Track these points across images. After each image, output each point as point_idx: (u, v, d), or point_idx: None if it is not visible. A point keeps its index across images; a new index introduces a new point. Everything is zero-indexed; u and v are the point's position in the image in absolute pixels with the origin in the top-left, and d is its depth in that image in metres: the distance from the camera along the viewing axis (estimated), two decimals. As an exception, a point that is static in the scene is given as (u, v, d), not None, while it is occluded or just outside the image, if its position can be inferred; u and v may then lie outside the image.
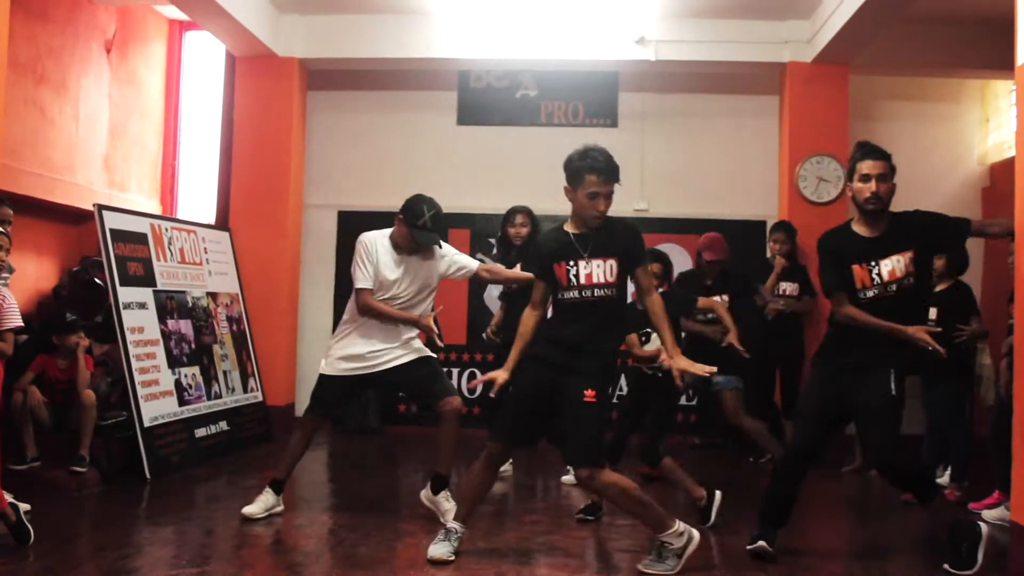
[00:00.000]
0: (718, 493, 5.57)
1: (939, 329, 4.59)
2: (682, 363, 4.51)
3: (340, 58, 9.20)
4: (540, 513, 5.91)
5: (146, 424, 6.70)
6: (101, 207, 7.01)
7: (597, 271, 4.51)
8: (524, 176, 9.24)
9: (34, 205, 7.83)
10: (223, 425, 7.66)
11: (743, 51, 8.85)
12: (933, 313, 6.46)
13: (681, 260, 8.94)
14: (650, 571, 4.51)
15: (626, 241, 4.60)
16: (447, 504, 5.32)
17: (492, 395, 4.87)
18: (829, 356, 4.86)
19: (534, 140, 9.71)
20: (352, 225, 9.65)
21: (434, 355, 5.65)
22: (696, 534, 4.57)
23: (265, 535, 5.17)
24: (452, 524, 4.72)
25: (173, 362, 7.27)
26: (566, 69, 9.49)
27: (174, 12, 9.68)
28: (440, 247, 5.58)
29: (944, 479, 6.70)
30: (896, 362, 4.62)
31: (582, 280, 4.52)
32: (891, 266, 4.63)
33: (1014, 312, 4.86)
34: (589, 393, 4.43)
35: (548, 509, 6.05)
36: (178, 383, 7.26)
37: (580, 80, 9.72)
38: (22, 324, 5.06)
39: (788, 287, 8.05)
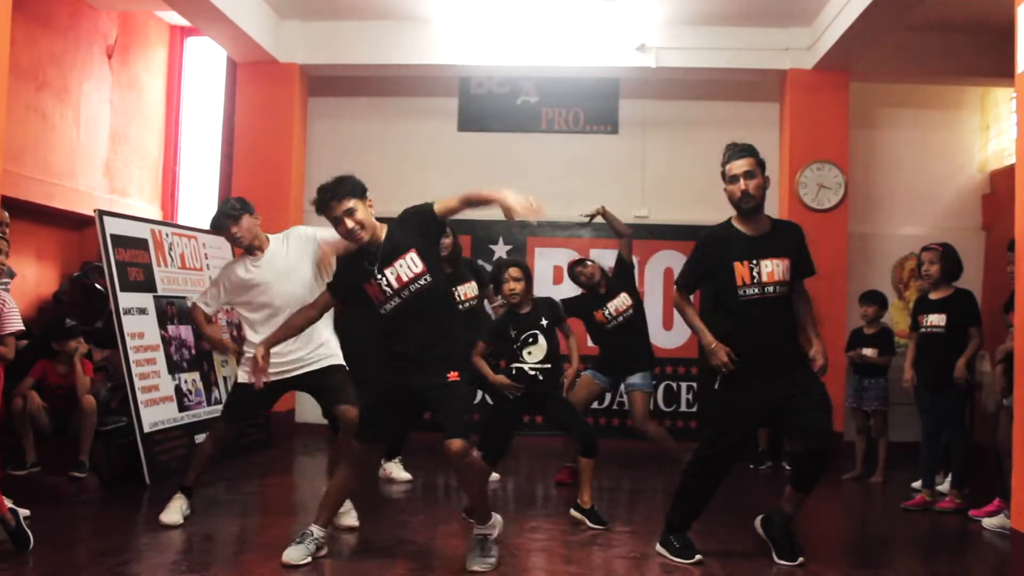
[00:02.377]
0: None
1: (734, 359, 4.73)
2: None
3: (341, 64, 9.21)
4: (541, 519, 5.90)
5: (146, 430, 6.69)
6: (102, 212, 7.01)
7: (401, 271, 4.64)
8: (525, 183, 9.12)
9: (35, 210, 7.84)
10: (223, 431, 7.64)
11: (744, 58, 8.87)
12: (941, 320, 6.46)
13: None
14: (479, 568, 4.55)
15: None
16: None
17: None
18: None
19: (535, 147, 9.73)
20: (353, 231, 9.67)
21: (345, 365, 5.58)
22: (499, 517, 4.83)
23: (265, 541, 5.17)
24: (312, 528, 4.77)
25: (173, 368, 7.27)
26: (567, 76, 9.49)
27: (175, 18, 9.70)
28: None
29: (944, 486, 6.70)
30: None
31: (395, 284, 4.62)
32: (771, 268, 4.75)
33: (1012, 320, 4.85)
34: (452, 375, 4.56)
35: (547, 516, 6.04)
36: (178, 389, 7.25)
37: (581, 87, 9.73)
38: (23, 328, 5.06)
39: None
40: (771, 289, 4.74)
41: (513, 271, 5.84)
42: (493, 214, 4.97)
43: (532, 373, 5.75)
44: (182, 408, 7.24)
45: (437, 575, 4.59)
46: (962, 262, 6.66)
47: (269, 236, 5.59)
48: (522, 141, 9.77)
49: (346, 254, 4.88)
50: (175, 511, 5.45)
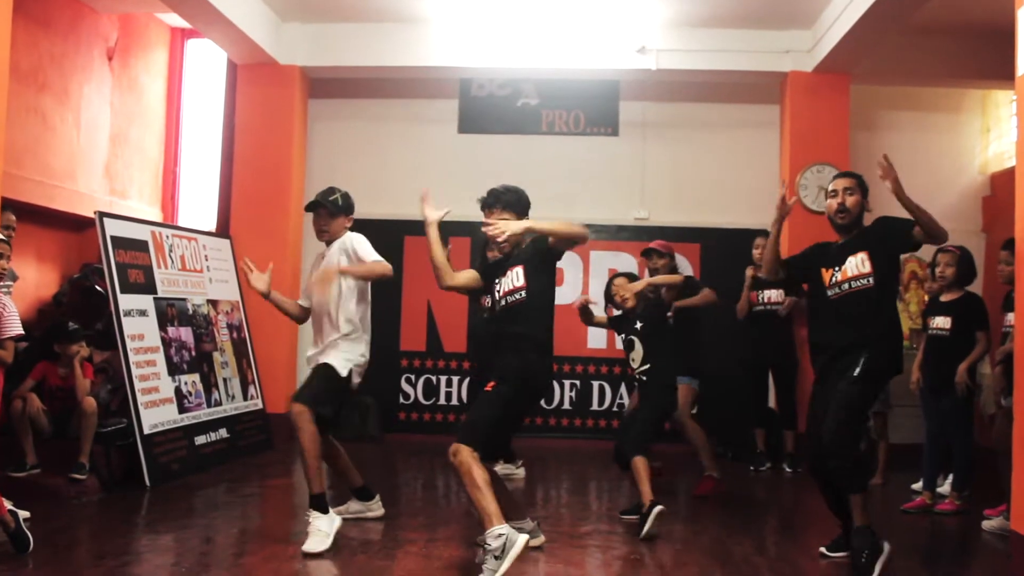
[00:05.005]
0: (657, 508, 5.49)
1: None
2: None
3: (342, 66, 9.22)
4: (540, 521, 5.90)
5: (146, 431, 6.69)
6: (102, 214, 7.01)
7: (506, 282, 4.90)
8: (525, 185, 9.01)
9: (35, 212, 7.85)
10: (223, 432, 7.65)
11: (744, 60, 8.86)
12: (947, 323, 6.46)
13: (683, 269, 8.95)
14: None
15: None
16: (312, 524, 5.06)
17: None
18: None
19: (535, 149, 9.73)
20: (354, 233, 9.67)
21: (335, 365, 5.37)
22: (518, 538, 4.34)
23: (264, 543, 5.16)
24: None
25: (173, 369, 7.27)
26: (567, 78, 9.50)
27: (176, 20, 9.71)
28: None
29: (945, 488, 6.70)
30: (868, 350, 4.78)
31: (500, 292, 4.92)
32: (846, 267, 4.89)
33: (1012, 321, 4.85)
34: (489, 385, 4.78)
35: (548, 518, 6.04)
36: (178, 390, 7.25)
37: (581, 89, 9.74)
38: (22, 332, 5.07)
39: (772, 294, 8.04)
40: (846, 286, 4.88)
41: (619, 280, 6.33)
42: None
43: (639, 376, 6.20)
44: (182, 410, 7.23)
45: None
46: (976, 267, 6.67)
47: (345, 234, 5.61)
48: (522, 143, 9.78)
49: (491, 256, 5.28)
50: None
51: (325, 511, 5.11)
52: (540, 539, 5.18)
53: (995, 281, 7.63)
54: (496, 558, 4.31)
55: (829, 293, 4.93)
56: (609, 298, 6.35)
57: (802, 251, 5.30)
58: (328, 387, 5.31)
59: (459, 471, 4.54)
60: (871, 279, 4.81)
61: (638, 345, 6.13)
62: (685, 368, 6.77)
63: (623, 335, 6.29)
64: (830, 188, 5.07)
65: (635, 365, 6.16)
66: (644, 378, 6.12)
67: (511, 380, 4.74)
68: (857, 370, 4.70)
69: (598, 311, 6.91)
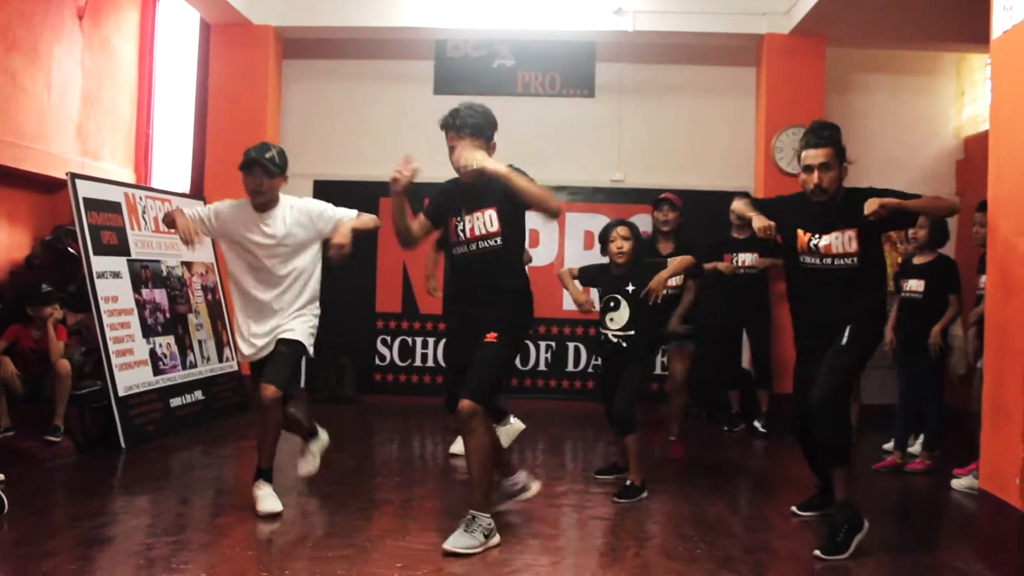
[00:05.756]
0: (645, 493, 5.56)
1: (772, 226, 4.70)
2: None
3: (316, 26, 9.13)
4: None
5: (121, 394, 6.68)
6: (74, 176, 6.96)
7: (477, 223, 4.58)
8: (501, 146, 9.13)
9: (5, 174, 7.76)
10: (198, 395, 7.65)
11: (721, 22, 8.83)
12: (920, 285, 6.51)
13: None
14: (454, 547, 4.31)
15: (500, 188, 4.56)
16: (260, 491, 5.03)
17: None
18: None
19: (511, 110, 9.64)
20: (328, 195, 9.53)
21: (304, 344, 5.16)
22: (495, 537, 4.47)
23: (240, 504, 5.18)
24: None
25: (148, 331, 7.24)
26: (543, 39, 9.44)
27: (148, -21, 9.58)
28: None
29: (915, 448, 6.78)
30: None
31: (467, 235, 4.60)
32: (829, 241, 4.62)
33: (984, 283, 4.89)
34: (491, 336, 4.48)
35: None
36: (153, 352, 7.23)
37: (557, 50, 9.69)
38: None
39: (747, 258, 8.04)
40: (830, 261, 4.65)
41: (621, 230, 5.72)
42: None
43: (615, 340, 5.68)
44: (157, 372, 7.22)
45: (413, 537, 4.62)
46: (949, 230, 6.71)
47: (281, 197, 5.21)
48: (498, 104, 9.47)
49: (449, 184, 4.78)
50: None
51: (270, 481, 5.09)
52: (533, 489, 5.13)
53: (968, 244, 7.69)
54: (484, 536, 4.39)
55: (806, 261, 4.71)
56: (605, 245, 5.77)
57: (777, 199, 5.06)
58: (297, 368, 5.31)
59: (472, 435, 4.40)
60: (856, 259, 4.61)
61: (624, 307, 5.66)
62: (677, 333, 6.76)
63: (606, 294, 5.74)
64: (803, 160, 4.65)
65: (613, 327, 5.66)
66: (623, 344, 5.65)
67: (512, 332, 4.56)
68: (844, 340, 4.59)
69: (593, 258, 6.55)
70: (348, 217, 5.14)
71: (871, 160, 9.44)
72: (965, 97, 9.63)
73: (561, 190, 9.36)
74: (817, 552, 4.43)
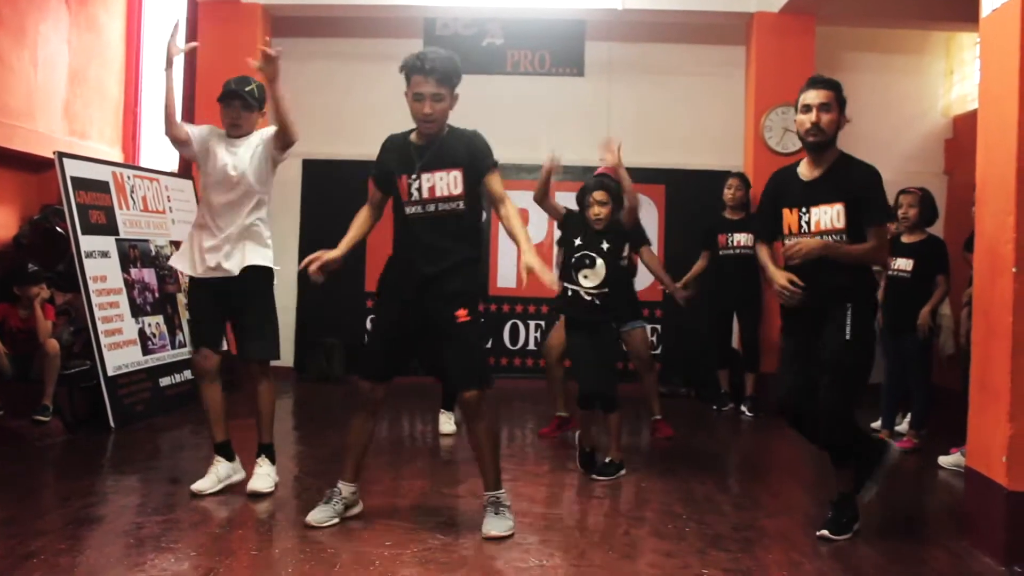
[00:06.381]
0: (623, 471, 5.56)
1: (801, 285, 4.35)
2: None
3: (304, 4, 9.08)
4: (504, 460, 5.95)
5: (110, 373, 6.67)
6: (62, 155, 6.93)
7: (440, 183, 4.35)
8: (490, 126, 8.99)
9: (-7, 153, 7.73)
10: (187, 374, 7.63)
11: (710, 1, 8.82)
12: (908, 265, 6.52)
13: (647, 210, 8.99)
14: (499, 532, 4.29)
15: (470, 149, 4.41)
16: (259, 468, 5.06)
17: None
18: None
19: (500, 89, 9.66)
20: (317, 174, 9.62)
21: (271, 268, 5.03)
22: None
23: (230, 483, 5.18)
24: (339, 485, 4.50)
25: (136, 311, 7.23)
26: (533, 17, 9.41)
27: (134, -44, 9.52)
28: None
29: (903, 426, 6.82)
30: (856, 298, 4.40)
31: (424, 194, 4.35)
32: (818, 217, 4.40)
33: (972, 262, 4.90)
34: (461, 313, 4.29)
35: (512, 456, 6.10)
36: (142, 332, 7.22)
37: (547, 29, 9.65)
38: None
39: (741, 238, 8.03)
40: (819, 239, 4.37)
41: (598, 195, 5.56)
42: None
43: (588, 298, 5.52)
44: (146, 352, 7.21)
45: (402, 516, 4.63)
46: (937, 208, 6.72)
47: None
48: (487, 83, 9.69)
49: (398, 138, 4.56)
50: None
51: (273, 461, 5.12)
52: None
53: (957, 223, 7.72)
54: (512, 514, 4.42)
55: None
56: (582, 208, 5.64)
57: (764, 194, 4.78)
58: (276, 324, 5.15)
59: (481, 420, 4.35)
60: (843, 236, 4.35)
61: (600, 265, 5.48)
62: (637, 312, 6.78)
63: (580, 249, 5.54)
64: (802, 102, 4.45)
65: (587, 284, 5.48)
66: (597, 302, 5.49)
67: (476, 303, 4.44)
68: (848, 332, 4.31)
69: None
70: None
71: (859, 139, 9.42)
72: (954, 76, 9.63)
73: (550, 169, 9.35)
74: (824, 532, 4.44)
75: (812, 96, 4.42)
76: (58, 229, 7.76)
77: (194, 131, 5.10)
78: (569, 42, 9.73)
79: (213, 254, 4.89)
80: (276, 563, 3.94)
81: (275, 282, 5.10)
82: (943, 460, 6.05)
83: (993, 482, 4.25)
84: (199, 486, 4.89)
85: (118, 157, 9.63)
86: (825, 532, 4.44)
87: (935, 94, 9.73)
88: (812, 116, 4.39)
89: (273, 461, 5.12)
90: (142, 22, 10.26)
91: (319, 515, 4.40)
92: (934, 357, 6.89)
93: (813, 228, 4.42)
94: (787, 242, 4.50)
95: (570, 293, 5.55)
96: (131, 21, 10.14)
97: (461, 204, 4.35)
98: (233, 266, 4.88)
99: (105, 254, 7.03)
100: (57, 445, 6.14)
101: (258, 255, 4.95)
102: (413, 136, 4.52)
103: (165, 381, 7.34)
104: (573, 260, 5.57)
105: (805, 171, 4.54)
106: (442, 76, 4.44)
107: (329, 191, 9.38)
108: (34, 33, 8.26)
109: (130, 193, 7.57)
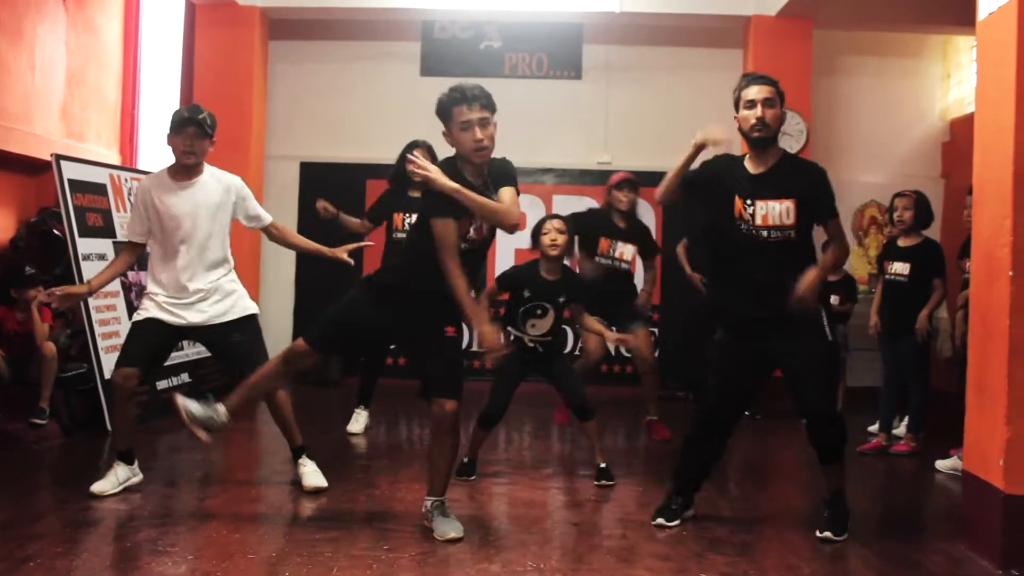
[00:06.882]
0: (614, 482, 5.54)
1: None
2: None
3: (302, 7, 9.08)
4: (502, 464, 5.96)
5: (107, 376, 6.65)
6: (59, 157, 6.92)
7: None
8: (488, 128, 9.22)
9: (-11, 155, 7.72)
10: (184, 377, 7.63)
11: (708, 3, 8.83)
12: (906, 268, 6.52)
13: (644, 214, 8.97)
14: (455, 535, 4.28)
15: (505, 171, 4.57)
16: (304, 468, 5.19)
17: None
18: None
19: (498, 92, 9.37)
20: (315, 176, 9.61)
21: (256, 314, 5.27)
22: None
23: (226, 487, 5.19)
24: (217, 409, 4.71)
25: (134, 314, 7.21)
26: (531, 20, 9.41)
27: (132, -42, 9.52)
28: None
29: (900, 430, 6.82)
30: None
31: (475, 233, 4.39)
32: (765, 211, 4.35)
33: (968, 267, 4.91)
34: (451, 330, 4.37)
35: (511, 460, 6.10)
36: (139, 335, 7.20)
37: (545, 32, 9.66)
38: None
39: None
40: (765, 233, 4.35)
41: (556, 223, 5.54)
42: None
43: (531, 345, 5.48)
44: (143, 355, 7.19)
45: (399, 520, 4.63)
46: (933, 211, 6.72)
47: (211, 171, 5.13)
48: (485, 86, 9.62)
49: (447, 167, 4.52)
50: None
51: (313, 458, 5.21)
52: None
53: (953, 227, 7.72)
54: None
55: (741, 227, 4.39)
56: (537, 238, 5.56)
57: (705, 165, 4.70)
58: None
59: (454, 435, 4.35)
60: (793, 232, 4.34)
61: (551, 316, 5.44)
62: (633, 314, 6.80)
63: (532, 301, 5.46)
64: (745, 98, 4.48)
65: (534, 332, 5.45)
66: (539, 348, 5.48)
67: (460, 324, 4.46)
68: (828, 334, 4.41)
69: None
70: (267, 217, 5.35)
71: (857, 142, 9.50)
72: (951, 79, 9.65)
73: (547, 172, 9.39)
74: (828, 533, 4.44)
75: (755, 91, 4.47)
76: (55, 232, 7.74)
77: (138, 226, 5.23)
78: (567, 45, 9.74)
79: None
80: (273, 566, 3.93)
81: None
82: (940, 463, 6.05)
83: (990, 485, 4.25)
84: (99, 487, 4.87)
85: (115, 160, 9.61)
86: (828, 534, 4.45)
87: (932, 98, 9.75)
88: (757, 112, 4.41)
89: (312, 457, 5.25)
90: (140, 24, 10.25)
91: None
92: (932, 360, 6.90)
93: (759, 221, 4.36)
94: (741, 227, 4.40)
95: (512, 337, 5.49)
96: (129, 23, 10.13)
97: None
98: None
99: (102, 257, 7.01)
100: (54, 448, 6.14)
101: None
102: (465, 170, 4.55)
103: (162, 384, 7.33)
104: (523, 309, 5.49)
105: (750, 165, 4.54)
106: (486, 102, 4.56)
107: (327, 194, 9.33)
108: (31, 35, 8.25)
109: (127, 195, 7.56)
